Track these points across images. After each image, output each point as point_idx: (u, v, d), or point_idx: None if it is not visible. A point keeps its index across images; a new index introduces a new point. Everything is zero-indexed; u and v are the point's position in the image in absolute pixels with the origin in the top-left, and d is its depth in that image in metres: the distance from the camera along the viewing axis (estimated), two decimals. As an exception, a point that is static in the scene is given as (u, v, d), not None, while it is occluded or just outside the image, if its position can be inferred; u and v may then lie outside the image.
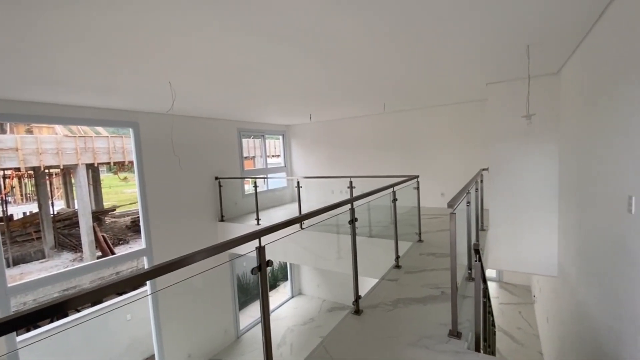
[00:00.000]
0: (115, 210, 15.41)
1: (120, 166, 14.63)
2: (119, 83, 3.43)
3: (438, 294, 2.68)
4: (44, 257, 11.10)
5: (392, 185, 3.42)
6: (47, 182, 12.75)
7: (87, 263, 5.06)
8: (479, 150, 5.88)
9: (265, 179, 8.05)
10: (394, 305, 2.53)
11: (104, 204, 15.32)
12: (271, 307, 8.20)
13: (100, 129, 12.07)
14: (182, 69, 3.08)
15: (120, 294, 7.15)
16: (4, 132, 11.15)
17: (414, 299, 2.62)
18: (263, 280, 1.52)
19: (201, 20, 2.07)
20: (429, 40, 2.69)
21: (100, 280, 9.03)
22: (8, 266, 10.12)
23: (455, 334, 2.03)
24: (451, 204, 1.94)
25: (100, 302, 6.41)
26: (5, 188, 13.03)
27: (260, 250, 1.51)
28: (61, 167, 10.89)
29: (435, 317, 2.30)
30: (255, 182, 6.38)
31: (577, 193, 3.20)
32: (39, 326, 5.38)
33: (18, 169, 11.06)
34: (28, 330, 5.29)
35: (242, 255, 1.80)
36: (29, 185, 16.48)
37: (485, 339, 2.51)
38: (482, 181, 4.66)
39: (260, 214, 6.02)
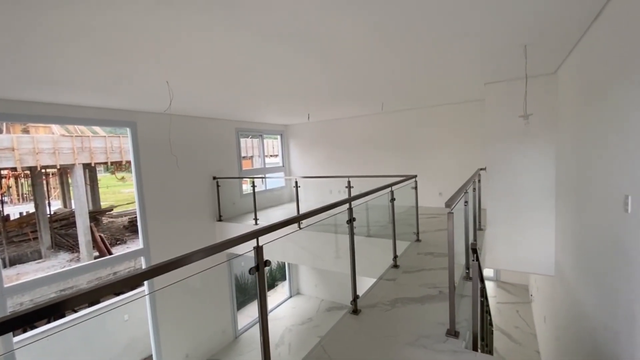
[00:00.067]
0: (112, 210, 15.35)
1: (117, 166, 14.58)
2: (116, 83, 3.42)
3: (436, 293, 2.68)
4: (40, 258, 11.04)
5: (390, 185, 3.42)
6: (44, 182, 12.69)
7: (84, 263, 5.04)
8: (476, 150, 5.90)
9: (264, 179, 8.04)
10: (391, 305, 2.53)
11: (102, 204, 15.27)
12: (269, 306, 8.20)
13: (97, 128, 12.03)
14: (179, 69, 3.07)
15: (117, 294, 7.13)
16: (0, 131, 11.09)
17: (412, 298, 2.63)
18: (261, 280, 1.52)
19: (199, 20, 2.07)
20: (427, 41, 2.70)
21: (97, 281, 8.99)
22: (4, 266, 10.06)
23: (453, 333, 2.04)
24: (449, 204, 1.94)
25: (98, 302, 6.39)
26: (1, 188, 12.95)
27: (258, 250, 1.50)
28: (58, 167, 10.85)
29: (433, 317, 2.30)
30: (253, 182, 6.37)
31: (574, 192, 3.22)
32: (36, 327, 5.35)
33: (14, 169, 10.99)
34: (25, 331, 5.26)
35: (240, 255, 1.80)
36: (26, 185, 16.40)
37: (483, 338, 2.52)
38: (479, 181, 4.67)
39: (258, 213, 6.01)
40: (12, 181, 15.40)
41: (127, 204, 17.45)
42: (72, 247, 11.47)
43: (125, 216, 14.68)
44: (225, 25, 2.17)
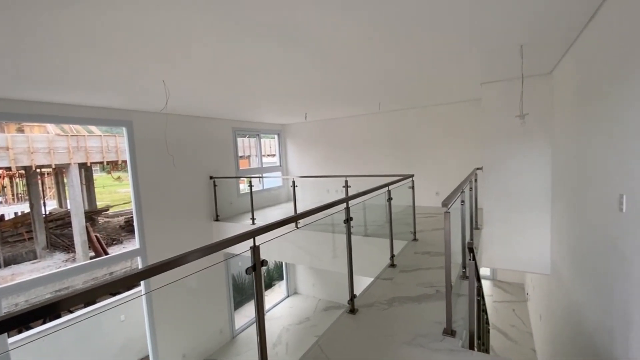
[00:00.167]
0: (108, 210, 15.25)
1: (113, 165, 14.49)
2: (112, 82, 3.40)
3: (433, 292, 2.69)
4: (35, 258, 10.95)
5: (387, 185, 3.43)
6: (39, 181, 12.58)
7: (80, 263, 5.01)
8: (473, 149, 5.92)
9: (261, 179, 8.02)
10: (389, 304, 2.54)
11: (97, 203, 15.16)
12: (267, 306, 8.20)
13: (93, 127, 11.94)
14: (176, 68, 3.06)
15: (114, 295, 7.09)
16: (-6, 131, 10.98)
17: (409, 297, 2.63)
18: (258, 280, 1.51)
19: (196, 19, 2.06)
20: (424, 42, 2.70)
21: (93, 281, 8.94)
22: (-1, 267, 9.99)
23: (449, 332, 2.04)
24: (446, 203, 1.95)
25: (94, 302, 6.36)
26: (-4, 188, 12.83)
27: (255, 249, 1.50)
28: (53, 167, 10.75)
29: (430, 316, 2.31)
30: (250, 182, 6.36)
31: (569, 192, 3.24)
32: (31, 327, 5.31)
33: (9, 169, 10.90)
34: (20, 332, 5.22)
35: (236, 255, 1.79)
36: (21, 184, 16.26)
37: (480, 336, 2.53)
38: (476, 180, 4.69)
39: (255, 213, 6.00)
40: (6, 181, 15.27)
41: (124, 203, 17.36)
42: (68, 247, 11.39)
43: (121, 216, 14.60)
44: (222, 24, 2.16)
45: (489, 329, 4.13)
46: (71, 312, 6.31)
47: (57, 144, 10.38)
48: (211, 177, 6.33)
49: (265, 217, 6.39)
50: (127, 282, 1.12)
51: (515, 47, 3.00)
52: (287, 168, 8.68)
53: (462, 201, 2.77)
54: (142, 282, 5.13)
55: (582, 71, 2.76)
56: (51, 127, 10.97)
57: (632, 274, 1.77)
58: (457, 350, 1.90)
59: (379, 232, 4.20)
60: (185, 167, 5.83)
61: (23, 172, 11.86)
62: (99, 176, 20.47)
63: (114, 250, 11.43)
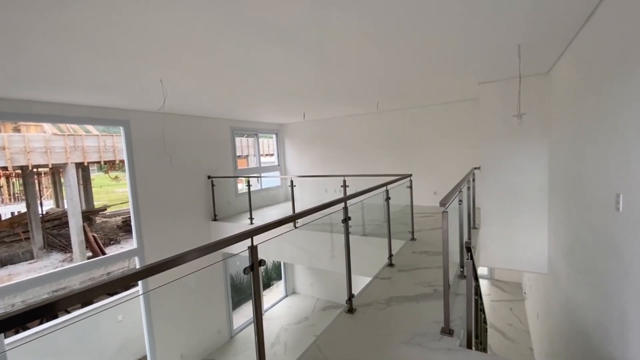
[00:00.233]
0: (106, 209, 15.20)
1: (111, 165, 14.44)
2: (109, 81, 3.38)
3: (431, 291, 2.70)
4: (32, 258, 10.90)
5: (386, 184, 3.43)
6: (36, 181, 12.52)
7: (77, 264, 4.98)
8: (471, 149, 5.93)
9: (259, 178, 8.01)
10: (387, 304, 2.54)
11: (95, 203, 15.11)
12: (265, 306, 8.19)
13: (90, 127, 11.89)
14: (174, 67, 3.05)
15: (111, 295, 7.07)
16: (-10, 130, 10.91)
17: (407, 297, 2.64)
18: (255, 280, 1.51)
19: (194, 18, 2.05)
20: (422, 41, 2.70)
21: (90, 281, 8.90)
22: (-5, 267, 9.92)
23: (447, 331, 2.05)
24: (443, 203, 1.95)
25: (91, 303, 6.33)
26: (-8, 187, 12.76)
27: (253, 249, 1.50)
28: (50, 166, 10.72)
29: (428, 315, 2.31)
30: (248, 181, 6.35)
31: (566, 191, 3.26)
32: (28, 328, 5.29)
33: (5, 168, 10.84)
34: (17, 332, 5.19)
35: (234, 254, 1.79)
36: (17, 184, 16.18)
37: (477, 335, 2.54)
38: (474, 180, 4.70)
39: (253, 213, 5.99)
40: (3, 180, 15.18)
41: (121, 203, 17.31)
42: (65, 247, 11.34)
43: (118, 216, 14.56)
44: (221, 24, 2.15)
45: (486, 328, 4.14)
46: (68, 312, 6.28)
47: (54, 143, 10.34)
48: (209, 177, 6.32)
49: (263, 216, 6.38)
50: (125, 282, 1.12)
51: (512, 47, 3.00)
52: (286, 168, 8.67)
53: (460, 201, 2.78)
54: (139, 282, 5.12)
55: (580, 71, 2.77)
56: (48, 127, 10.91)
57: (629, 273, 1.78)
58: (455, 349, 1.90)
59: (377, 231, 4.21)
60: (183, 166, 5.81)
61: (19, 171, 11.80)
62: (96, 176, 20.41)
63: (111, 250, 11.39)
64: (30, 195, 11.32)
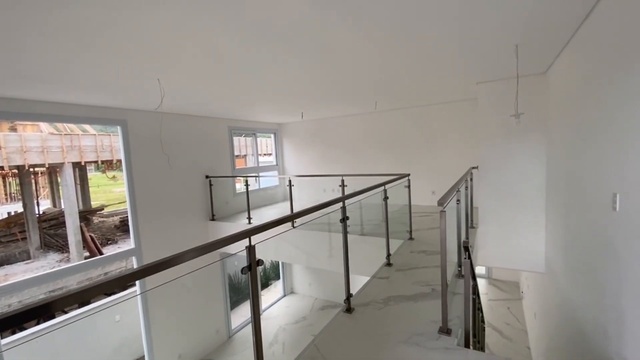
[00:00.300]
0: (103, 209, 15.12)
1: (108, 165, 14.37)
2: (106, 80, 3.36)
3: (428, 291, 2.70)
4: (29, 258, 10.84)
5: (384, 184, 3.43)
6: (32, 181, 12.43)
7: (75, 264, 4.96)
8: (469, 148, 5.95)
9: (257, 178, 8.00)
10: (385, 303, 2.55)
11: (92, 203, 15.02)
12: (263, 305, 8.18)
13: (87, 126, 11.83)
14: (171, 66, 3.03)
15: (108, 295, 7.04)
16: (-14, 129, 10.84)
17: (405, 296, 2.64)
18: (253, 279, 1.51)
19: (191, 17, 2.05)
20: (420, 41, 2.71)
21: (87, 282, 8.86)
22: (-8, 267, 9.87)
23: (445, 330, 2.05)
24: (441, 202, 1.96)
25: (88, 303, 6.30)
26: (-12, 187, 12.67)
27: (250, 249, 1.50)
28: (47, 166, 10.64)
29: (426, 314, 2.32)
30: (246, 181, 6.34)
31: (564, 191, 3.27)
32: (25, 328, 5.26)
33: (2, 168, 10.77)
34: (14, 333, 5.17)
35: (232, 254, 1.79)
36: (14, 184, 16.08)
37: (475, 335, 2.55)
38: (471, 179, 4.72)
39: (251, 213, 5.99)
40: (-1, 180, 15.08)
41: (118, 203, 17.23)
42: (62, 247, 11.28)
43: (116, 216, 14.49)
44: (219, 24, 2.15)
45: (484, 327, 4.16)
46: (65, 312, 6.25)
47: (51, 143, 10.27)
48: (207, 177, 6.30)
49: (261, 216, 6.38)
50: (122, 282, 1.11)
51: (510, 47, 3.01)
52: (284, 167, 8.67)
53: (458, 200, 2.78)
54: (137, 282, 5.10)
55: (577, 71, 2.78)
56: (44, 126, 10.85)
57: (626, 272, 1.79)
58: (453, 348, 1.91)
59: (375, 231, 4.21)
60: (180, 166, 5.79)
61: (16, 171, 11.73)
62: (93, 175, 20.31)
63: (108, 250, 11.34)
64: (26, 195, 11.25)
